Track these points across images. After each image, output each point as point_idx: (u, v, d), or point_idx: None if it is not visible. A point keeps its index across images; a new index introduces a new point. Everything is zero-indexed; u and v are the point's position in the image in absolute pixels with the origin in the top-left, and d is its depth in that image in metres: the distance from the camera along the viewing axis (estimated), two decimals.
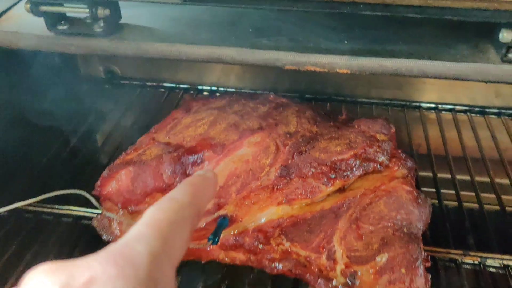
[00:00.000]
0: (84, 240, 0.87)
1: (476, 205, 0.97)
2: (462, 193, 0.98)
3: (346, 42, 0.74)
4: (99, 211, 0.74)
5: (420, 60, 0.67)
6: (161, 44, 0.74)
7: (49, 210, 0.92)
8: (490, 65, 0.68)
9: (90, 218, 0.91)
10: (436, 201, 0.95)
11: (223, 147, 0.69)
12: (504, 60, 0.69)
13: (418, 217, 0.71)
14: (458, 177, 0.99)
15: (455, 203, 0.96)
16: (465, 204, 0.95)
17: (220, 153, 0.68)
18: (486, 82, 0.75)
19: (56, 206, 0.89)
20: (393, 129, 0.76)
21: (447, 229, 0.92)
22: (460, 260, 0.86)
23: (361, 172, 0.70)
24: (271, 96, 0.81)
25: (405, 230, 0.71)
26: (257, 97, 0.83)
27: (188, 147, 0.69)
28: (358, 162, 0.70)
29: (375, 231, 0.70)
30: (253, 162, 0.69)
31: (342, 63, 0.72)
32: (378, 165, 0.71)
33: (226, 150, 0.69)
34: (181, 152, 0.68)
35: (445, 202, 0.95)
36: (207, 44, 0.71)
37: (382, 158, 0.72)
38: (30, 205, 0.92)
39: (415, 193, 0.72)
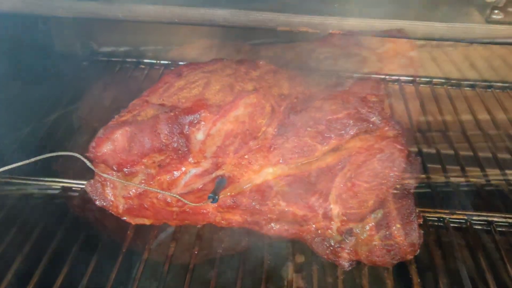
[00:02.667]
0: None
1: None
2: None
3: (336, 5, 0.75)
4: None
5: (409, 21, 0.69)
6: (154, 7, 0.73)
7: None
8: (476, 25, 0.71)
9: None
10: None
11: (219, 108, 0.69)
12: (489, 20, 0.71)
13: (410, 174, 0.73)
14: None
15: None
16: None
17: (217, 114, 0.68)
18: (471, 43, 0.78)
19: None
20: (382, 91, 0.77)
21: (434, 193, 0.96)
22: (448, 219, 0.89)
23: (355, 131, 0.71)
24: (261, 62, 0.81)
25: (398, 186, 0.73)
26: (247, 63, 0.83)
27: (184, 108, 0.69)
28: (351, 122, 0.71)
29: (370, 188, 0.72)
30: (250, 123, 0.70)
31: (334, 23, 0.73)
32: (371, 125, 0.72)
33: (222, 111, 0.69)
34: (177, 112, 0.68)
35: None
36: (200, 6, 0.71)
37: (374, 118, 0.73)
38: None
39: (406, 151, 0.74)
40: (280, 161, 0.70)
